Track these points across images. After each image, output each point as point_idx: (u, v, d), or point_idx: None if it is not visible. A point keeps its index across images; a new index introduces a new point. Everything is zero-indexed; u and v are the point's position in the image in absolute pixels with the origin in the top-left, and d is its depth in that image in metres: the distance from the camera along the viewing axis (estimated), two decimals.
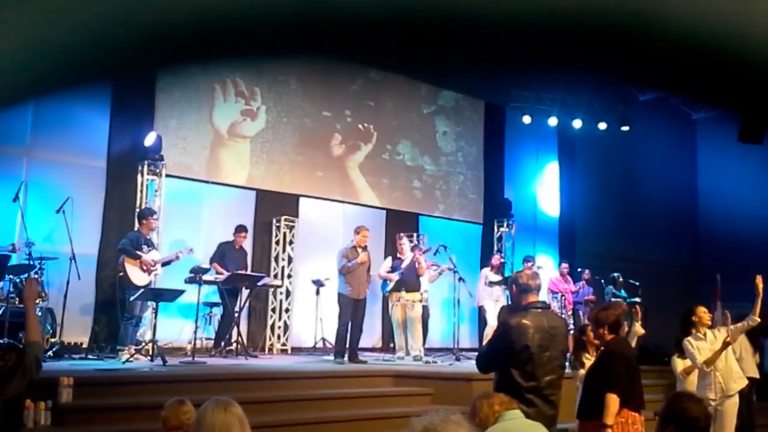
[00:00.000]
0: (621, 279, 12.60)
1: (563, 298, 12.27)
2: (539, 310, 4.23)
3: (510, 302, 5.92)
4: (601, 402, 4.53)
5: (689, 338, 6.58)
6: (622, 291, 12.55)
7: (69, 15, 0.94)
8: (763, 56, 0.92)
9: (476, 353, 7.87)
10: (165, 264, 8.54)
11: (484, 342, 10.63)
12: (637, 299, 12.45)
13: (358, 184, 12.09)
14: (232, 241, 9.58)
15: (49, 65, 0.97)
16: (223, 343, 8.98)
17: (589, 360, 5.77)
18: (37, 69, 0.97)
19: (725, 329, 6.73)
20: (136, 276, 8.07)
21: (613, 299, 12.35)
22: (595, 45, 0.97)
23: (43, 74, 0.99)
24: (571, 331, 8.42)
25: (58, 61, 0.97)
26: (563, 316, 11.22)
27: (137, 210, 9.13)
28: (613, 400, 4.49)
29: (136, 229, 8.66)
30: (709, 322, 6.67)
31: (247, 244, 10.36)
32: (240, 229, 9.63)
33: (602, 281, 12.78)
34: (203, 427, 2.69)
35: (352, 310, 8.94)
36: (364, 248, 9.14)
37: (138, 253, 8.12)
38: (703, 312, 6.64)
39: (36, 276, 7.55)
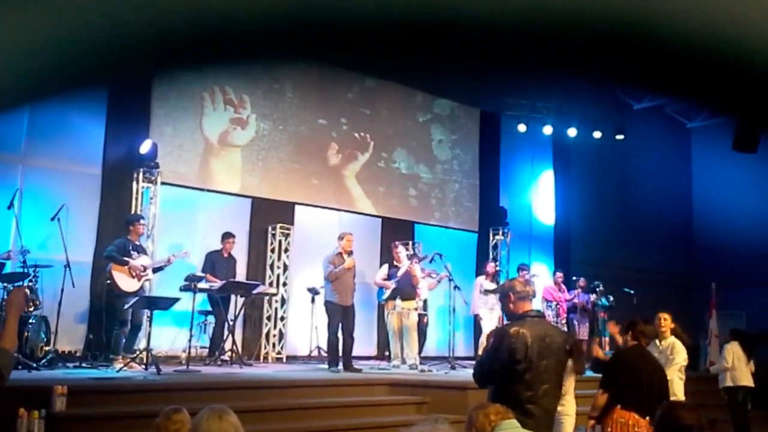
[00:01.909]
0: (602, 287, 12.59)
1: (557, 306, 12.27)
2: (535, 319, 4.22)
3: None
4: None
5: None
6: (603, 299, 12.54)
7: (64, 21, 0.94)
8: (758, 64, 0.93)
9: (471, 362, 7.84)
10: (157, 270, 8.51)
11: (480, 351, 10.62)
12: (605, 303, 12.47)
13: (353, 192, 12.08)
14: (220, 249, 9.53)
15: (45, 72, 0.97)
16: (217, 352, 8.95)
17: None
18: (33, 75, 0.97)
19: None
20: (124, 282, 8.04)
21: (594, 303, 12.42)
22: (590, 51, 0.97)
23: (38, 81, 0.99)
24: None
25: (54, 68, 0.96)
26: (557, 324, 11.23)
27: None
28: (598, 395, 5.06)
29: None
30: (650, 335, 5.92)
31: (242, 252, 10.33)
32: (227, 236, 9.54)
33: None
34: None
35: (341, 318, 8.91)
36: (350, 254, 9.10)
37: (125, 259, 8.08)
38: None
39: (29, 285, 7.49)
